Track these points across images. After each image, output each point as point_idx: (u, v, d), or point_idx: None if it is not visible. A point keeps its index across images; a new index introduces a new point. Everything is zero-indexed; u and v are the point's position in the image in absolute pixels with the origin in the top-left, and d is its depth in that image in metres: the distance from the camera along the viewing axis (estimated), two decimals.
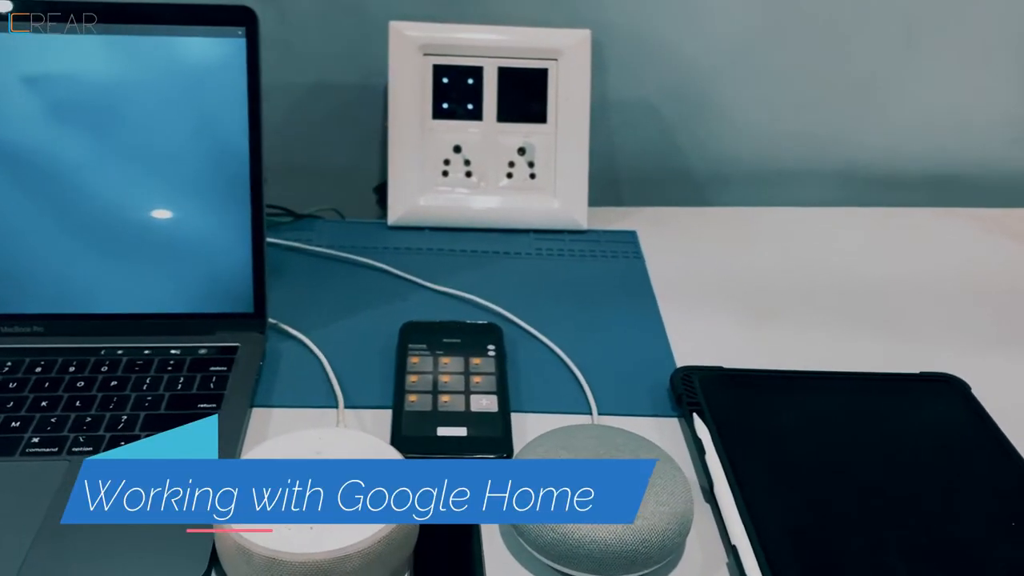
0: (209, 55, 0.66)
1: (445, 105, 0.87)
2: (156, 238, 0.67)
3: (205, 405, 0.61)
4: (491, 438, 0.60)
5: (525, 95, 0.87)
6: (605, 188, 0.98)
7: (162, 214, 0.67)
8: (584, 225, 0.88)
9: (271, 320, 0.71)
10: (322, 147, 0.96)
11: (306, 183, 0.96)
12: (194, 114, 0.66)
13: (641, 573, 0.50)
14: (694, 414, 0.62)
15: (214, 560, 0.50)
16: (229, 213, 0.68)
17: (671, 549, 0.51)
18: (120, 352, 0.65)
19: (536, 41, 0.87)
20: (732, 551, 0.52)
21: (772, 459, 0.59)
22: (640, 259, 0.85)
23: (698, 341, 0.72)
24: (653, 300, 0.78)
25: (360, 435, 0.55)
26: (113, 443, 0.57)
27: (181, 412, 0.60)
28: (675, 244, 0.88)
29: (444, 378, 0.65)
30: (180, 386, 0.62)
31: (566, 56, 0.87)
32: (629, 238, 0.88)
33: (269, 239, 0.82)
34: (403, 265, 0.81)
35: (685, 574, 0.52)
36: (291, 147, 0.95)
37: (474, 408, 0.62)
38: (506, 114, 0.87)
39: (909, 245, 0.90)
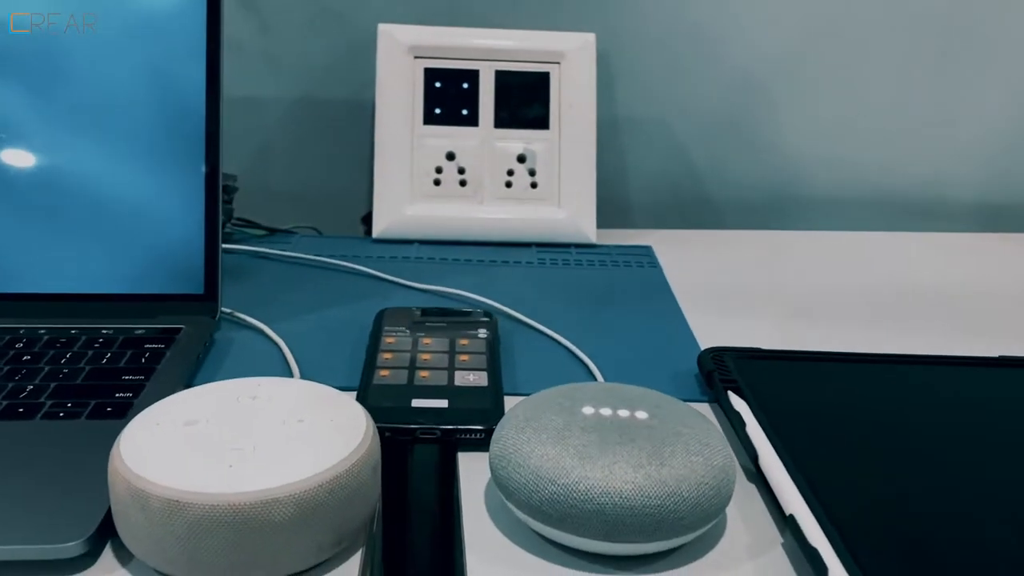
0: (165, 1, 0.59)
1: (438, 111, 0.79)
2: (96, 208, 0.58)
3: (131, 378, 0.50)
4: (478, 409, 0.48)
5: (525, 100, 0.80)
6: (616, 213, 0.90)
7: (104, 180, 0.58)
8: (593, 238, 0.79)
9: (226, 309, 0.61)
10: (307, 168, 0.88)
11: (288, 207, 0.87)
12: (145, 67, 0.59)
13: (670, 543, 0.38)
14: (728, 392, 0.51)
15: (109, 525, 0.38)
16: (180, 180, 0.59)
17: (709, 512, 0.38)
18: (42, 332, 0.55)
19: (537, 44, 0.80)
20: (789, 522, 0.40)
21: (826, 435, 0.47)
22: (657, 268, 0.75)
23: (727, 339, 0.61)
24: (673, 300, 0.68)
25: (307, 383, 0.43)
26: (10, 411, 0.46)
27: (101, 383, 0.49)
28: (695, 260, 0.78)
29: (424, 356, 0.54)
30: (105, 361, 0.52)
31: (569, 59, 0.80)
32: (643, 251, 0.79)
33: (240, 245, 0.73)
34: (387, 270, 0.71)
35: (729, 554, 0.40)
36: (273, 167, 0.88)
37: (459, 383, 0.51)
38: (504, 120, 0.80)
39: (961, 262, 0.80)
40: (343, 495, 0.37)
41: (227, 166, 0.80)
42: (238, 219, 0.78)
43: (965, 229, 0.90)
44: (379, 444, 0.41)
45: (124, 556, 0.38)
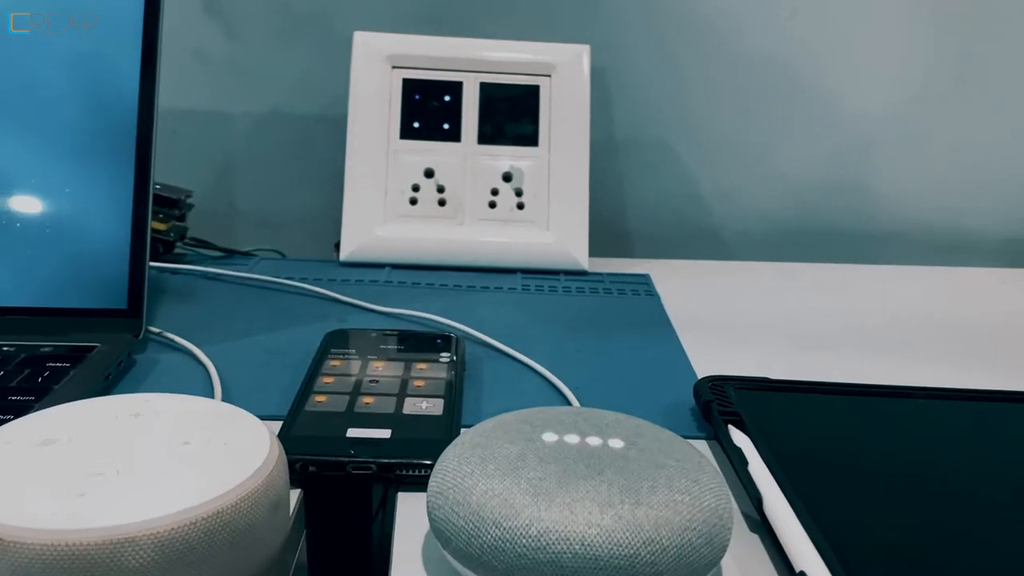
0: None
1: (416, 124, 0.73)
2: (9, 212, 0.51)
3: (18, 399, 0.42)
4: (425, 441, 0.40)
5: (512, 114, 0.73)
6: (613, 243, 0.82)
7: (19, 182, 0.52)
8: (584, 265, 0.71)
9: (155, 329, 0.53)
10: (275, 189, 0.81)
11: (253, 230, 0.80)
12: (72, 60, 0.52)
13: None
14: (728, 426, 0.43)
15: None
16: (106, 185, 0.52)
17: (697, 567, 0.30)
18: None
19: (526, 55, 0.74)
20: None
21: (842, 477, 0.39)
22: (655, 297, 0.67)
23: (729, 371, 0.53)
24: (671, 330, 0.60)
25: (207, 400, 0.36)
26: None
27: None
28: (698, 290, 0.70)
29: (372, 381, 0.46)
30: None
31: (561, 72, 0.73)
32: (641, 280, 0.71)
33: (193, 266, 0.66)
34: (351, 293, 0.63)
35: None
36: (238, 187, 0.81)
37: (407, 411, 0.43)
38: (489, 135, 0.73)
39: (984, 297, 0.72)
40: (226, 537, 0.29)
41: (187, 183, 0.73)
42: (192, 239, 0.71)
43: (988, 264, 0.82)
44: (286, 476, 0.33)
45: None
